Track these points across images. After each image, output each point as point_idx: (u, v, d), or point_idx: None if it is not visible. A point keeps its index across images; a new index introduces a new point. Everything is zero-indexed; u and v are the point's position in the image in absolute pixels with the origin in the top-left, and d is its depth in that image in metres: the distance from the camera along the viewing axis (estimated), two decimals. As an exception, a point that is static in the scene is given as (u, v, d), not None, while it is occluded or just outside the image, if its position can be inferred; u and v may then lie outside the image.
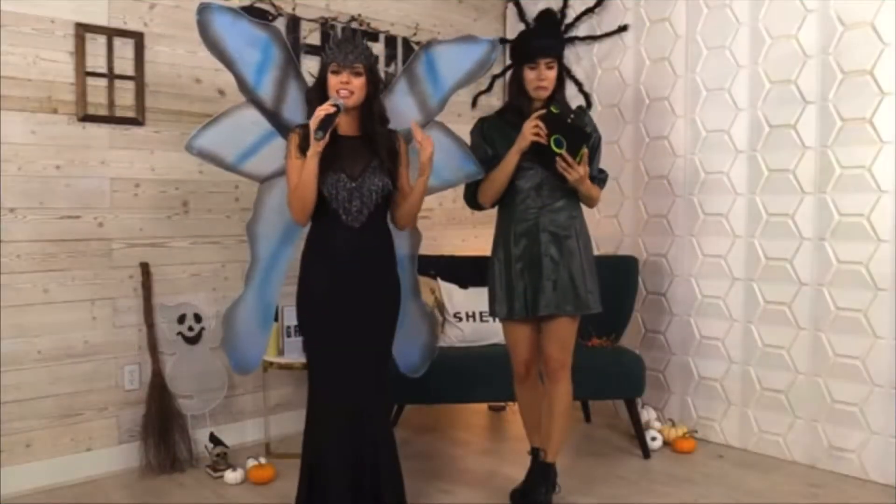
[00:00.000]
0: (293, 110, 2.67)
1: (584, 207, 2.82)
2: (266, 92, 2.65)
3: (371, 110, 2.43)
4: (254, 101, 2.66)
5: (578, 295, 2.70)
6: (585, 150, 2.61)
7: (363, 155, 2.41)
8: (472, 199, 2.89)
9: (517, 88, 2.75)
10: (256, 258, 2.81)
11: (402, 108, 2.74)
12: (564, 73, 2.77)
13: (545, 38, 2.79)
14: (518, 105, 2.76)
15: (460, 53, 2.80)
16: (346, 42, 2.37)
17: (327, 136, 2.25)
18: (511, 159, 2.69)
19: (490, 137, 2.82)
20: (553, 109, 2.61)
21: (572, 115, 2.61)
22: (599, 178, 2.81)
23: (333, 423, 2.39)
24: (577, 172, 2.60)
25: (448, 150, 2.91)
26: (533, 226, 2.71)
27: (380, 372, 2.48)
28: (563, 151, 2.58)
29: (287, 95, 2.67)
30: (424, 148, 2.40)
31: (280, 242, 2.82)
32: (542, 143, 2.60)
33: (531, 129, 2.61)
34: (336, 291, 2.40)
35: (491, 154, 2.80)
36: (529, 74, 2.68)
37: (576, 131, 2.60)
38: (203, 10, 2.53)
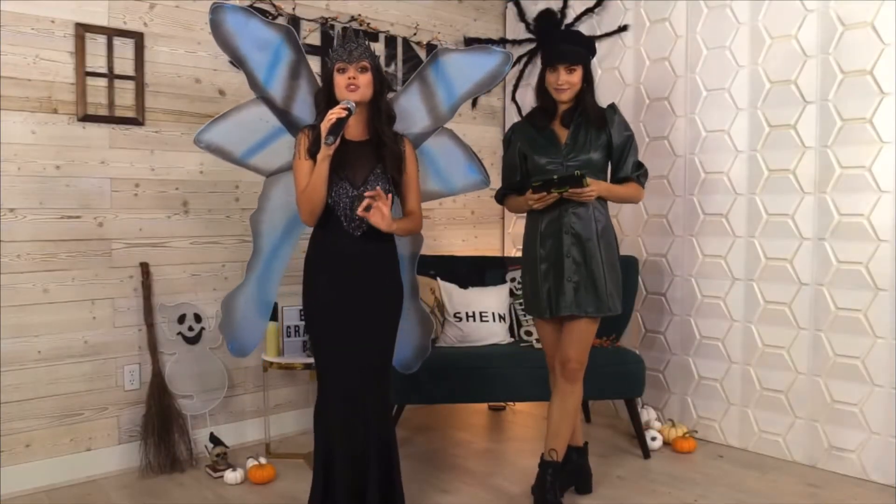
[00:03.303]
0: (303, 108, 2.70)
1: (610, 210, 2.88)
2: (276, 90, 2.68)
3: (378, 109, 2.44)
4: (264, 98, 2.68)
5: (599, 297, 2.73)
6: (585, 182, 2.63)
7: (368, 161, 2.41)
8: (500, 202, 3.04)
9: (542, 90, 2.83)
10: (259, 250, 2.84)
11: (412, 112, 2.76)
12: (591, 74, 2.81)
13: (565, 42, 2.81)
14: (544, 106, 2.83)
15: (473, 63, 2.81)
16: (350, 41, 2.38)
17: (338, 140, 2.25)
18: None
19: (515, 143, 2.88)
20: (535, 184, 2.68)
21: (555, 177, 2.66)
22: (637, 173, 2.83)
23: (340, 424, 2.39)
24: (589, 195, 2.66)
25: (455, 158, 2.94)
26: (557, 227, 2.74)
27: (383, 375, 2.48)
28: (567, 190, 2.64)
29: (297, 94, 2.70)
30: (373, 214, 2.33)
31: (282, 237, 2.85)
32: (554, 198, 2.67)
33: (539, 205, 2.70)
34: (339, 297, 2.40)
35: (519, 174, 2.87)
36: (550, 77, 2.77)
37: (565, 180, 2.63)
38: (216, 10, 2.55)
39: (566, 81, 2.73)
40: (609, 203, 2.86)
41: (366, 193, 2.31)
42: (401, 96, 2.77)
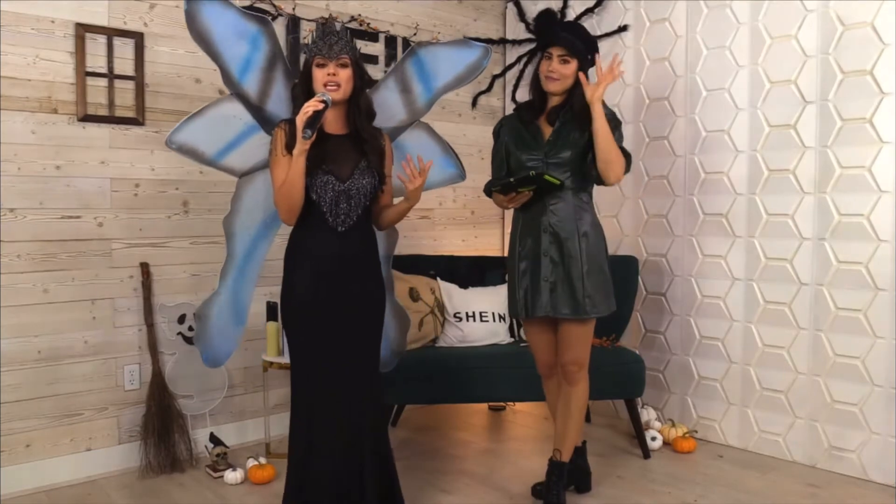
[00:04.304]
0: (278, 105, 2.63)
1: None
2: (251, 86, 2.59)
3: (358, 105, 2.37)
4: (238, 94, 2.60)
5: (576, 298, 2.65)
6: (550, 179, 2.58)
7: (351, 155, 2.34)
8: (488, 195, 2.92)
9: (535, 81, 2.76)
10: (232, 255, 2.75)
11: (389, 105, 2.71)
12: (587, 76, 2.68)
13: (564, 30, 2.73)
14: (533, 100, 2.77)
15: (452, 57, 2.78)
16: (331, 34, 2.29)
17: (315, 134, 2.18)
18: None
19: (502, 137, 2.82)
20: (493, 188, 2.64)
21: (511, 179, 2.60)
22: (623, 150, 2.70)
23: (325, 430, 2.32)
24: (591, 89, 2.57)
25: (431, 152, 2.87)
26: (535, 226, 2.70)
27: (372, 376, 2.40)
28: (535, 188, 2.60)
29: (272, 90, 2.62)
30: (413, 179, 2.38)
31: (256, 239, 2.77)
32: (525, 196, 2.64)
33: (512, 204, 2.68)
34: (322, 295, 2.32)
35: (504, 168, 2.80)
36: (543, 65, 2.69)
37: (522, 181, 2.58)
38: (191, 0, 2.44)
39: (557, 71, 2.65)
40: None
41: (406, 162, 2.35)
42: (378, 90, 2.71)
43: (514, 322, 3.81)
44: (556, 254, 2.67)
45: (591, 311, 2.67)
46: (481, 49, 2.79)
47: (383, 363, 2.94)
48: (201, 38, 2.50)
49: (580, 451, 2.97)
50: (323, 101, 2.19)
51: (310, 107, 2.16)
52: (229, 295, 2.78)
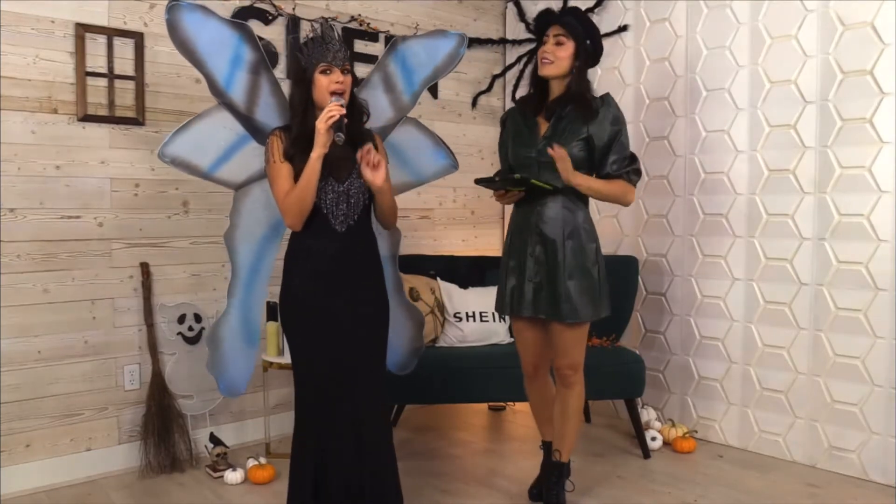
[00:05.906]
0: (266, 112, 2.59)
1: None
2: (238, 94, 2.56)
3: (354, 107, 2.37)
4: (225, 103, 2.57)
5: (557, 303, 2.58)
6: (536, 183, 2.52)
7: (347, 157, 2.33)
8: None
9: (533, 72, 2.69)
10: (236, 271, 2.73)
11: (375, 105, 2.68)
12: (584, 61, 2.57)
13: (563, 13, 2.63)
14: (531, 93, 2.71)
15: (430, 48, 2.76)
16: (332, 41, 2.30)
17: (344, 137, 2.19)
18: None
19: (507, 128, 2.77)
20: (476, 180, 2.58)
21: (496, 177, 2.55)
22: (626, 170, 2.62)
23: (327, 431, 2.32)
24: (561, 159, 2.46)
25: (421, 147, 2.87)
26: (524, 225, 2.65)
27: (376, 377, 2.39)
28: (521, 190, 2.56)
29: (259, 98, 2.59)
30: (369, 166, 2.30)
31: (260, 250, 2.75)
32: (514, 195, 2.61)
33: (503, 201, 2.65)
34: (322, 295, 2.32)
35: (507, 162, 2.75)
36: (540, 51, 2.60)
37: (507, 182, 2.55)
38: (172, 9, 2.42)
39: (552, 52, 2.54)
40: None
41: (361, 152, 2.26)
42: (363, 90, 2.69)
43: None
44: (541, 254, 2.62)
45: (569, 317, 2.57)
46: (457, 37, 2.77)
47: (402, 365, 2.97)
48: (184, 47, 2.48)
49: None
50: (341, 105, 2.22)
51: (334, 111, 2.18)
52: (239, 314, 2.76)
